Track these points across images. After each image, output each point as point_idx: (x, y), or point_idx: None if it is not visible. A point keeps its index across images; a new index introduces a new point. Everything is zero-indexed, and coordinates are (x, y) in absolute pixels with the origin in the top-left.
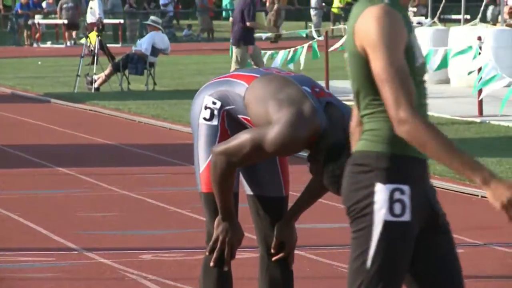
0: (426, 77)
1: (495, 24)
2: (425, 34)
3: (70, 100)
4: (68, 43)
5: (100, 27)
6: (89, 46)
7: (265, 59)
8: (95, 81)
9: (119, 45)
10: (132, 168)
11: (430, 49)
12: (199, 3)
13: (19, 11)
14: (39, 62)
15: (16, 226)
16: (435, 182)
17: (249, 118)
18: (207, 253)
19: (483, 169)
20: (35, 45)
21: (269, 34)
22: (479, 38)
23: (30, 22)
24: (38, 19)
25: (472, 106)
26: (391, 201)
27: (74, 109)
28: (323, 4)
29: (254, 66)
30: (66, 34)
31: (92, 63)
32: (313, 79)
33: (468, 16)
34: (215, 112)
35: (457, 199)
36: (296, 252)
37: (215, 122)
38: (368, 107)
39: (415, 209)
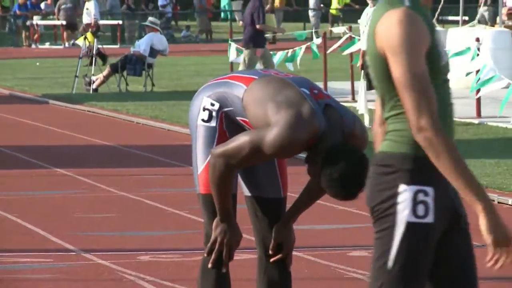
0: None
1: (492, 25)
2: None
3: (68, 101)
4: (67, 44)
5: (95, 28)
6: (88, 46)
7: None
8: (93, 82)
9: (117, 46)
10: (130, 169)
11: None
12: (198, 4)
13: (17, 11)
14: (37, 63)
15: (14, 227)
16: None
17: (247, 120)
18: (205, 255)
19: (487, 199)
20: (33, 46)
21: (268, 35)
22: (477, 40)
23: (28, 23)
24: (36, 20)
25: (470, 108)
26: (415, 202)
27: (72, 110)
28: (322, 5)
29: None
30: (65, 35)
31: (91, 64)
32: (312, 81)
33: (466, 18)
34: (214, 113)
35: None
36: (294, 253)
37: (213, 123)
38: (394, 109)
39: (438, 211)
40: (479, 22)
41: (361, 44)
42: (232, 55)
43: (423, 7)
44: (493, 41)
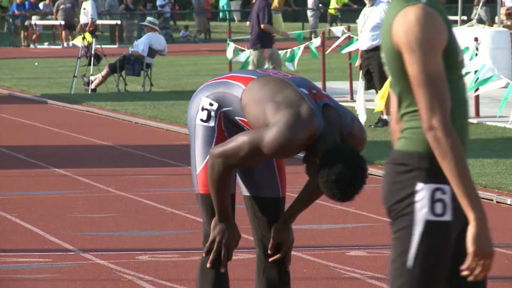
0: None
1: (491, 25)
2: None
3: (67, 101)
4: (65, 44)
5: (91, 28)
6: (87, 46)
7: None
8: (92, 82)
9: (116, 46)
10: (128, 169)
11: None
12: (196, 4)
13: (15, 11)
14: (36, 63)
15: (12, 227)
16: None
17: (246, 120)
18: (204, 254)
19: (482, 210)
20: (32, 46)
21: None
22: (476, 39)
23: (27, 23)
24: (35, 20)
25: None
26: (432, 200)
27: (71, 110)
28: (320, 5)
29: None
30: (63, 35)
31: (89, 64)
32: (310, 81)
33: (464, 17)
34: (212, 113)
35: None
36: (292, 253)
37: (212, 123)
38: (411, 105)
39: (456, 209)
40: (478, 21)
41: (359, 44)
42: (229, 55)
43: (439, 3)
44: (491, 41)
